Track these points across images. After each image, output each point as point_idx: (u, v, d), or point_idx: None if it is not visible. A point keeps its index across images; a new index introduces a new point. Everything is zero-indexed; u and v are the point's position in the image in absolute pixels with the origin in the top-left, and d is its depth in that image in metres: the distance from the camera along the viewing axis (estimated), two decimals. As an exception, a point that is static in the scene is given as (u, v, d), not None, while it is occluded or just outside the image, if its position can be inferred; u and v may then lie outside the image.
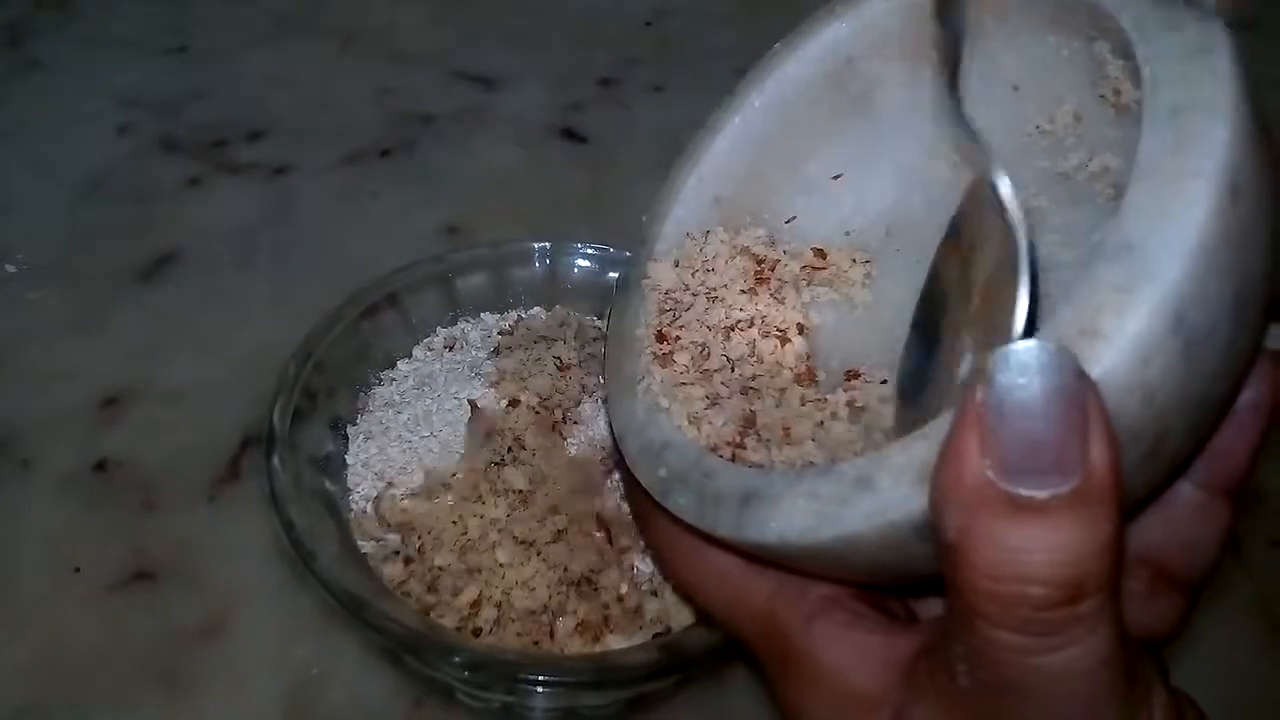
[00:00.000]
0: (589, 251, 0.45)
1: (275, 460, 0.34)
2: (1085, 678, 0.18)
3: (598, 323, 0.43)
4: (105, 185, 0.58)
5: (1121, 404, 0.18)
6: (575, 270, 0.45)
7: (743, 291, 0.29)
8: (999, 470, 0.17)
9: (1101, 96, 0.25)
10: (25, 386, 0.47)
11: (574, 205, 0.58)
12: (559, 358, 0.38)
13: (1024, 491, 0.17)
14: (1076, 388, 0.17)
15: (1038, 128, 0.27)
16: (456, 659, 0.30)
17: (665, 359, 0.27)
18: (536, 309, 0.44)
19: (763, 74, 0.30)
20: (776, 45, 0.30)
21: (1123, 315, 0.18)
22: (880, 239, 0.30)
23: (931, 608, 0.25)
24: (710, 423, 0.25)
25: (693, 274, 0.29)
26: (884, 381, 0.27)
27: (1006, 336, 0.18)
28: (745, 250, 0.29)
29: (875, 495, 0.20)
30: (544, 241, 0.44)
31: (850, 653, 0.22)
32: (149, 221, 0.55)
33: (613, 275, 0.45)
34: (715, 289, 0.29)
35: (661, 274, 0.29)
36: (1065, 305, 0.19)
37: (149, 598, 0.40)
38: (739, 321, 0.29)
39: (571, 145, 0.63)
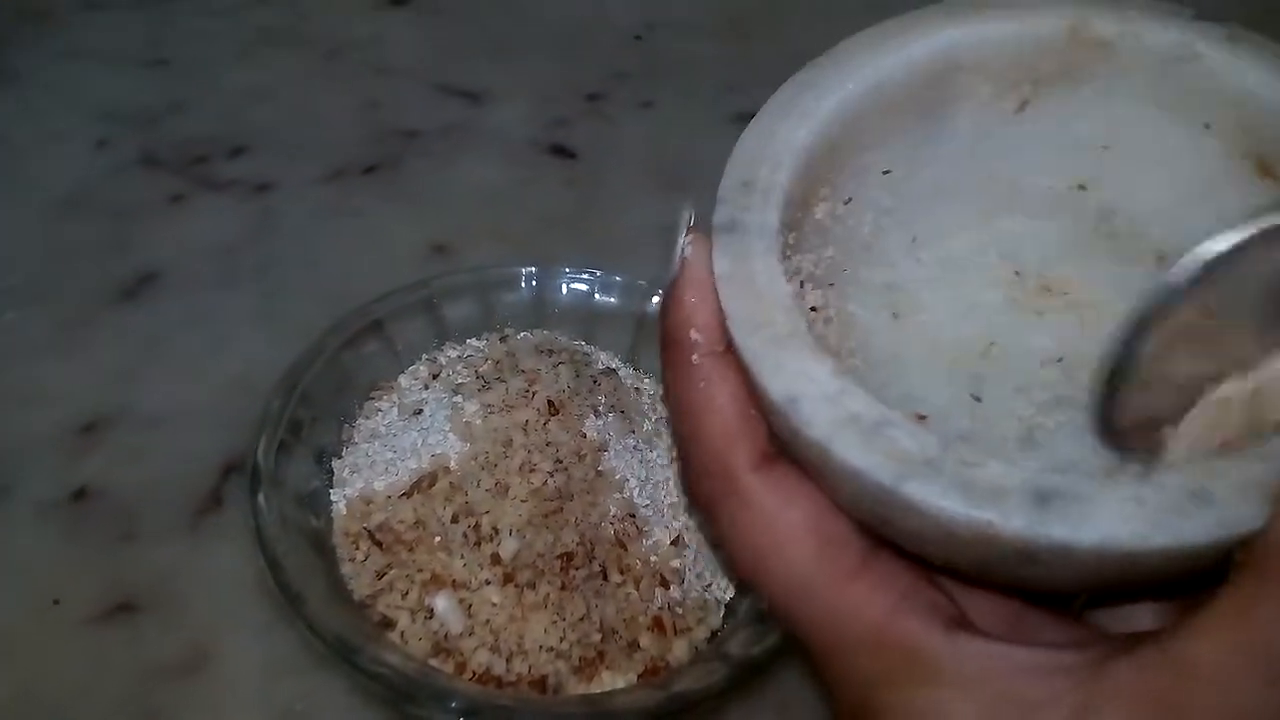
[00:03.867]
0: (576, 275, 0.44)
1: (260, 498, 0.33)
2: None
3: (586, 347, 0.43)
4: (83, 202, 0.56)
5: None
6: (563, 294, 0.44)
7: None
8: None
9: None
10: (1, 411, 0.46)
11: (562, 222, 0.58)
12: (550, 401, 0.37)
13: None
14: None
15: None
16: (453, 704, 0.30)
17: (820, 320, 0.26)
18: (524, 334, 0.43)
19: (875, 47, 0.29)
20: (888, 23, 0.29)
21: None
22: (905, 247, 0.30)
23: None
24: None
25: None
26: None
27: None
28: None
29: (1215, 509, 0.20)
30: (531, 265, 0.44)
31: (1000, 662, 0.22)
32: (128, 240, 0.54)
33: (601, 299, 0.45)
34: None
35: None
36: None
37: (129, 631, 0.39)
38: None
39: (560, 161, 0.62)
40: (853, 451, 0.22)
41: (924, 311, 0.28)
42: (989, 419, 0.27)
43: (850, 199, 0.29)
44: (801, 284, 0.27)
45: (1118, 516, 0.20)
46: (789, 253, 0.27)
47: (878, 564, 0.23)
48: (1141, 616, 0.26)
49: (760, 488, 0.24)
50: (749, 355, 0.24)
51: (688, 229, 0.26)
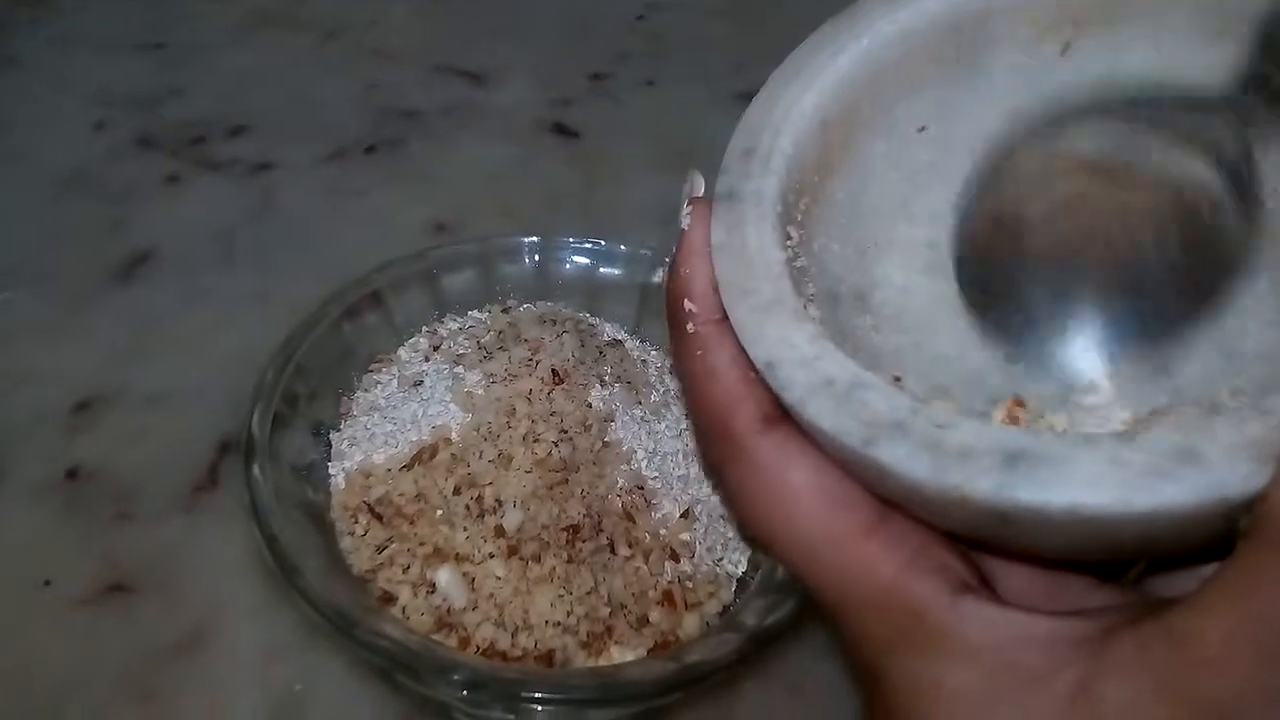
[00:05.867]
0: (580, 246, 0.43)
1: (255, 470, 0.32)
2: None
3: (590, 318, 0.42)
4: (80, 183, 0.56)
5: None
6: (566, 265, 0.43)
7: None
8: None
9: None
10: (-5, 391, 0.45)
11: (565, 201, 0.57)
12: (554, 370, 0.36)
13: None
14: None
15: None
16: (455, 677, 0.29)
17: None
18: (527, 305, 0.42)
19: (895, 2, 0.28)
20: None
21: None
22: (950, 202, 0.28)
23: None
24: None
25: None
26: None
27: None
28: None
29: (1205, 470, 0.18)
30: (533, 236, 0.43)
31: (1006, 629, 0.21)
32: (125, 220, 0.54)
33: (605, 271, 0.43)
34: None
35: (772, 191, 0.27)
36: None
37: (124, 612, 0.38)
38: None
39: (562, 140, 0.61)
40: (824, 415, 0.22)
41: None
42: (1022, 381, 0.26)
43: (882, 157, 0.28)
44: (816, 247, 0.27)
45: (1092, 478, 0.19)
46: (799, 216, 0.26)
47: (888, 525, 0.23)
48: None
49: (763, 449, 0.23)
50: (735, 323, 0.24)
51: (689, 199, 0.26)
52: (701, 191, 0.26)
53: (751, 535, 0.28)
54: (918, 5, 0.27)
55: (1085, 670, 0.19)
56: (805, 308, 0.24)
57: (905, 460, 0.21)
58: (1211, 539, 0.19)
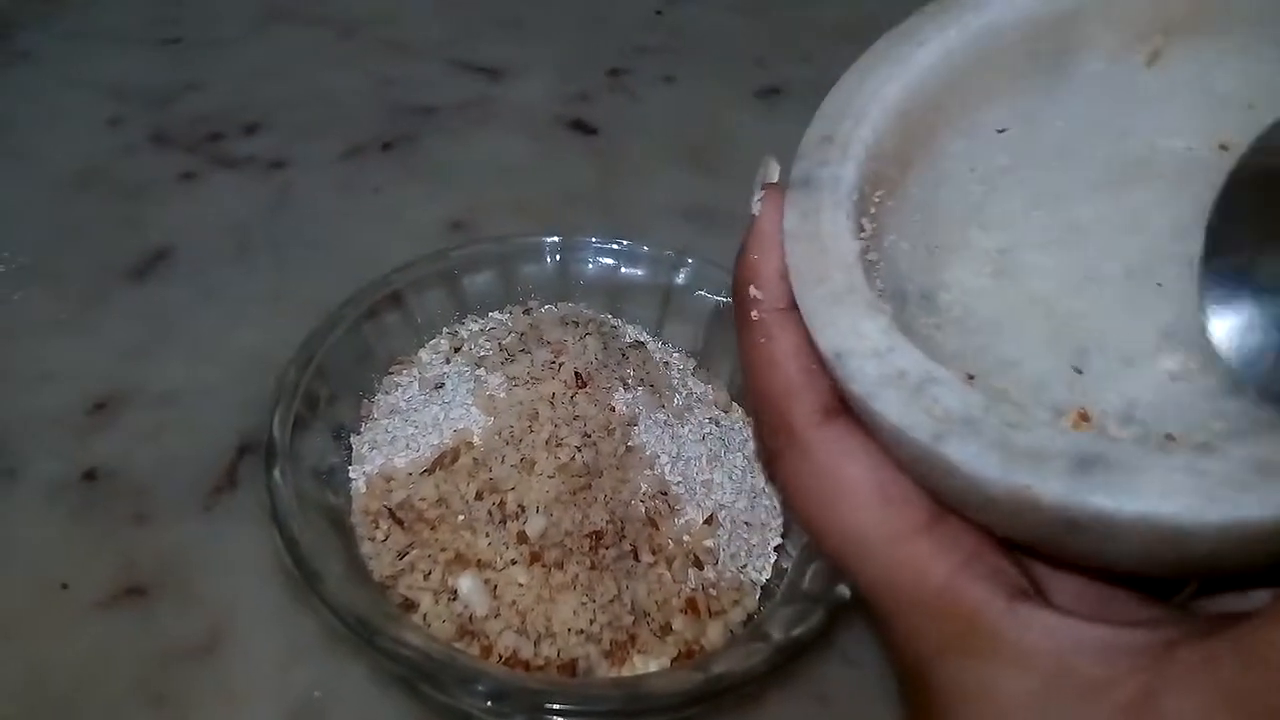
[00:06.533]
0: (603, 246, 0.42)
1: (276, 473, 0.32)
2: None
3: (612, 320, 0.41)
4: (95, 180, 0.55)
5: None
6: (589, 266, 0.43)
7: None
8: None
9: None
10: (10, 390, 0.45)
11: (583, 198, 0.56)
12: (577, 373, 0.35)
13: None
14: None
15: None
16: (479, 688, 0.28)
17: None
18: (548, 306, 0.41)
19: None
20: None
21: None
22: (1026, 209, 0.27)
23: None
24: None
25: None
26: None
27: None
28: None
29: None
30: (554, 236, 0.42)
31: (1064, 635, 0.20)
32: (140, 217, 0.53)
33: (627, 271, 0.43)
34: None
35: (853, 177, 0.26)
36: None
37: (140, 615, 0.38)
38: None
39: (580, 137, 0.60)
40: (893, 408, 0.21)
41: (1035, 277, 0.27)
42: (1087, 391, 0.25)
43: (960, 157, 0.28)
44: (886, 243, 0.26)
45: (1167, 487, 0.19)
46: (873, 209, 0.26)
47: (943, 525, 0.22)
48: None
49: (819, 441, 0.23)
50: (805, 310, 0.23)
51: (763, 184, 0.26)
52: (776, 178, 0.26)
53: (802, 528, 0.28)
54: (1005, 1, 0.27)
55: (1147, 681, 0.19)
56: (878, 300, 0.23)
57: (975, 459, 0.20)
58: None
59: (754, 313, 0.24)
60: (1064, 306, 0.26)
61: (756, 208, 0.25)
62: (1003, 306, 0.26)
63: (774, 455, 0.25)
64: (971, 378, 0.25)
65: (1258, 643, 0.18)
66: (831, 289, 0.23)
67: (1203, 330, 0.24)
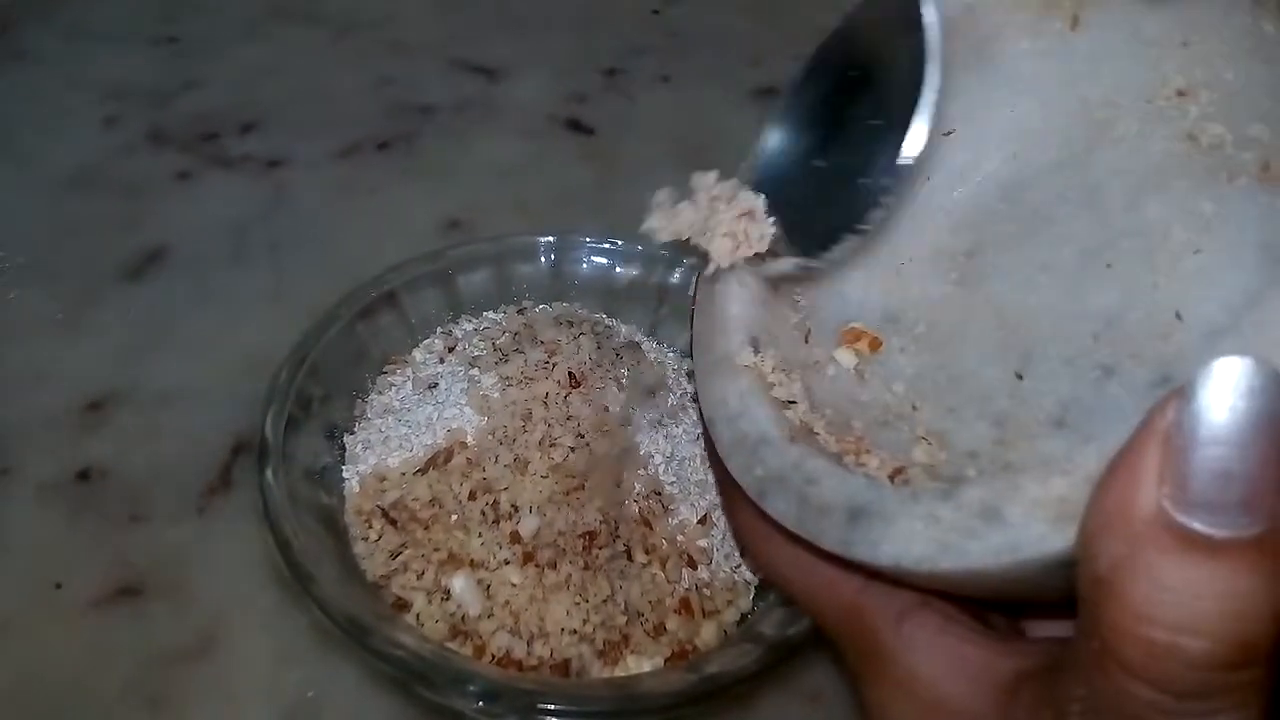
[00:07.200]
0: (597, 246, 0.42)
1: (269, 474, 0.32)
2: None
3: (607, 320, 0.41)
4: (91, 179, 0.55)
5: None
6: (583, 266, 0.43)
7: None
8: (1176, 500, 0.15)
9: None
10: (4, 390, 0.45)
11: (580, 198, 0.56)
12: (571, 372, 0.35)
13: (1199, 527, 0.14)
14: None
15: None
16: (471, 688, 0.28)
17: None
18: (543, 306, 0.41)
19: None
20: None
21: None
22: (991, 204, 0.27)
23: (1042, 625, 0.23)
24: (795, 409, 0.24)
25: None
26: None
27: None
28: None
29: (1005, 530, 0.18)
30: (548, 235, 0.42)
31: (941, 660, 0.20)
32: (136, 217, 0.53)
33: (621, 271, 0.43)
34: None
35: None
36: (1254, 310, 0.17)
37: (134, 615, 0.38)
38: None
39: (577, 137, 0.60)
40: (735, 469, 0.24)
41: (994, 278, 0.27)
42: (1027, 399, 0.25)
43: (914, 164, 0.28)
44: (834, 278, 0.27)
45: (909, 536, 0.19)
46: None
47: None
48: None
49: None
50: (696, 379, 0.26)
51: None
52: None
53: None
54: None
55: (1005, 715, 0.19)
56: (748, 362, 0.25)
57: (784, 514, 0.22)
58: (1064, 591, 0.18)
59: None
60: (1016, 307, 0.26)
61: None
62: (962, 315, 0.27)
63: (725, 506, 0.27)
64: (916, 408, 0.26)
65: (1058, 696, 0.18)
66: (713, 358, 0.25)
67: (1138, 323, 0.24)
